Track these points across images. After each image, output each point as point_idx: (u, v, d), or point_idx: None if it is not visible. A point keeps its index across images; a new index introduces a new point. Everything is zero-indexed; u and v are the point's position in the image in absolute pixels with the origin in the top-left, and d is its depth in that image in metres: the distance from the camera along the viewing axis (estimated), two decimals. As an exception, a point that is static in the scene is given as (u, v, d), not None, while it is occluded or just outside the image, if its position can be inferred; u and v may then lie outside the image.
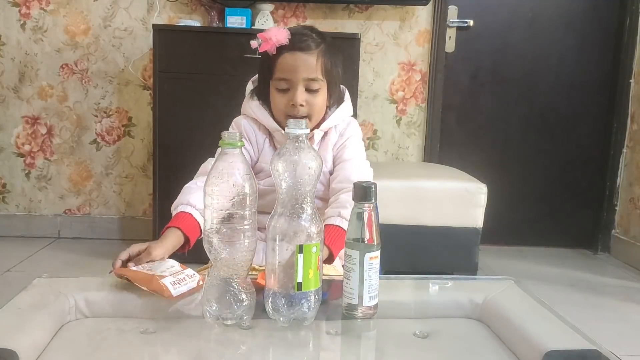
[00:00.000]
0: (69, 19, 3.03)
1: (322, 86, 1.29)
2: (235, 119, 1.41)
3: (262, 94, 1.35)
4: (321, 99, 1.30)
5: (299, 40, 1.27)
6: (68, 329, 0.90)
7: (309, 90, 1.28)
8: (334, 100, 1.36)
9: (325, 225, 1.18)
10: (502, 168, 3.25)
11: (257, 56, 1.35)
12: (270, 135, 1.37)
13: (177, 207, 1.22)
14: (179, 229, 1.16)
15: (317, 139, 1.36)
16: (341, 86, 1.40)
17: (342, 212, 1.23)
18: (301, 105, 1.27)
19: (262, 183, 1.32)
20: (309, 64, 1.26)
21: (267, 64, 1.30)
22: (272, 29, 1.27)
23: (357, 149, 1.39)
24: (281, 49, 1.26)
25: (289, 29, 1.29)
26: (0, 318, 0.86)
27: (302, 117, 1.26)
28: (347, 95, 1.41)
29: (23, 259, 2.77)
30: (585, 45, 3.21)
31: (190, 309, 0.94)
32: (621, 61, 3.17)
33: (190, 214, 1.20)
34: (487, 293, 1.02)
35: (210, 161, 1.33)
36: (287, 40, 1.26)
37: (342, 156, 1.36)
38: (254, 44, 1.30)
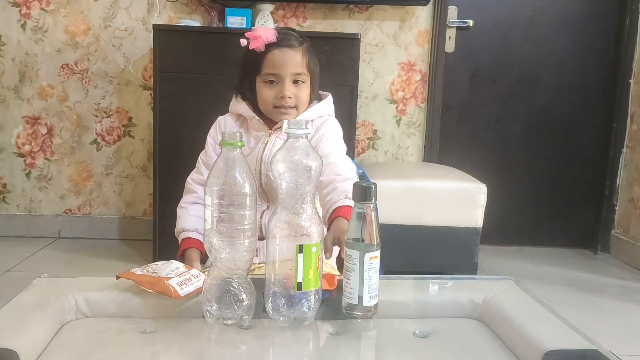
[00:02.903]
0: (69, 19, 3.03)
1: (306, 80, 1.38)
2: (219, 117, 1.48)
3: (243, 89, 1.43)
4: (305, 92, 1.39)
5: (285, 38, 1.37)
6: (68, 329, 0.90)
7: (295, 83, 1.36)
8: (314, 96, 1.45)
9: (337, 207, 1.21)
10: (502, 168, 3.25)
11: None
12: (248, 126, 1.44)
13: (179, 234, 1.36)
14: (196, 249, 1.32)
15: None
16: (327, 93, 1.48)
17: (349, 194, 1.24)
18: (289, 97, 1.35)
19: None
20: (296, 59, 1.36)
21: (254, 61, 1.37)
22: (259, 28, 1.37)
23: (335, 145, 1.41)
24: (269, 46, 1.35)
25: (275, 29, 1.40)
26: (0, 318, 0.86)
27: (290, 108, 1.36)
28: (329, 98, 1.48)
29: (23, 259, 2.77)
30: (585, 45, 3.21)
31: (190, 309, 0.94)
32: (621, 61, 3.17)
33: (196, 239, 1.33)
34: (487, 293, 1.02)
35: (190, 182, 1.43)
36: (275, 38, 1.35)
37: (320, 149, 1.38)
38: (243, 42, 1.37)
